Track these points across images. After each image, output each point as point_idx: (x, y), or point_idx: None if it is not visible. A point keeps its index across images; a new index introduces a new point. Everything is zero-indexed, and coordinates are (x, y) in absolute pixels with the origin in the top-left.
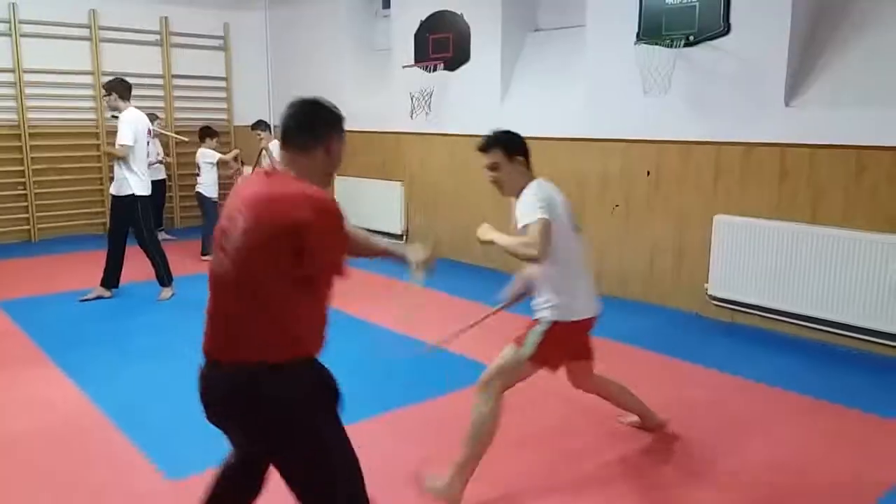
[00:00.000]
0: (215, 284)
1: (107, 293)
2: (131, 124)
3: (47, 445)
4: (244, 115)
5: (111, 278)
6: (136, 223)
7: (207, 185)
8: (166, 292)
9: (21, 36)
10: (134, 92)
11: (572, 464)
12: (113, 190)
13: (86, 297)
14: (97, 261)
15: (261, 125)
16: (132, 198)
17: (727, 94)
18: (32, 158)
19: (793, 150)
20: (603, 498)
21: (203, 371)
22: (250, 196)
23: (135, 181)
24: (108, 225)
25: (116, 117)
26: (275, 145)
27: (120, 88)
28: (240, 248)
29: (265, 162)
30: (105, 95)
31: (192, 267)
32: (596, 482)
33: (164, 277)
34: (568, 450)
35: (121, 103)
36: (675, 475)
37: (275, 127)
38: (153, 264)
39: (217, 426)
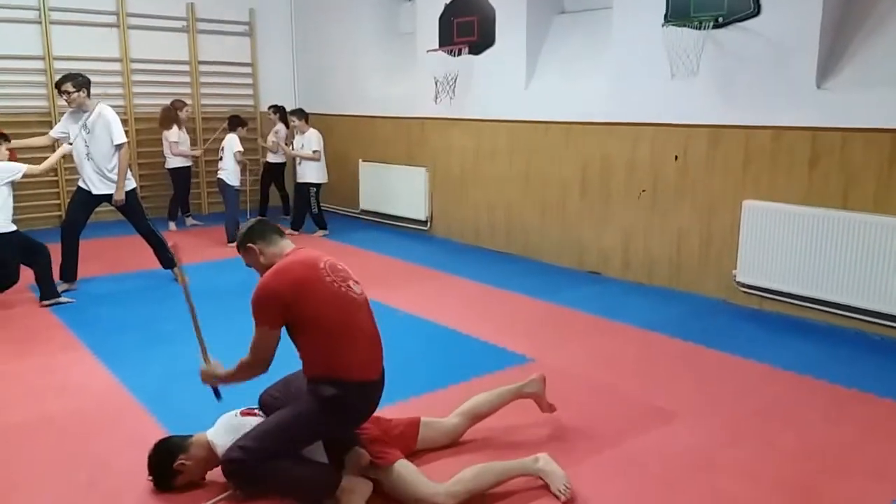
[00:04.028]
0: (361, 308)
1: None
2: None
3: (80, 427)
4: (270, 101)
5: (170, 259)
6: (142, 213)
7: (230, 172)
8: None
9: (50, 23)
10: (161, 78)
11: (592, 453)
12: (129, 186)
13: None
14: (125, 245)
15: (299, 113)
16: (134, 191)
17: (757, 77)
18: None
19: (824, 134)
20: (627, 484)
21: (376, 385)
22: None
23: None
24: (137, 218)
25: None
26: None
27: (90, 85)
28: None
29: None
30: (74, 91)
31: (217, 253)
32: (620, 469)
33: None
34: (588, 440)
35: (89, 101)
36: (701, 463)
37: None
38: (160, 249)
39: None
